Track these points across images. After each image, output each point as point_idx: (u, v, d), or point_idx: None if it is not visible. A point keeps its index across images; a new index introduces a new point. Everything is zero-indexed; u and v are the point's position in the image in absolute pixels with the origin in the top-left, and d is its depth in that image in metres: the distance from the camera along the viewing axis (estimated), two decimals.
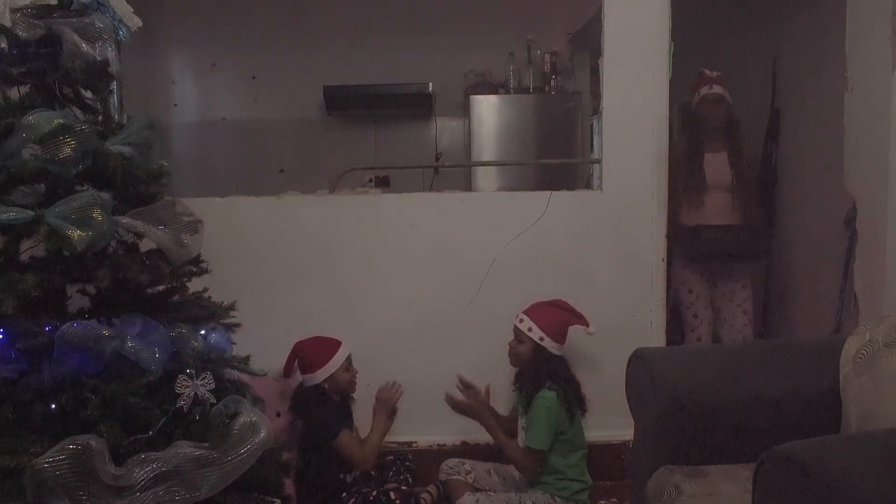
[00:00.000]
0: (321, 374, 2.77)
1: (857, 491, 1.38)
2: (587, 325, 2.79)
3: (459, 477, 2.82)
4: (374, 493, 2.68)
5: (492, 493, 2.75)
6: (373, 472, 2.81)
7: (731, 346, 2.50)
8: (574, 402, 2.73)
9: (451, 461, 2.88)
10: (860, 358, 2.03)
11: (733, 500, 1.88)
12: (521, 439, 2.79)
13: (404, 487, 2.75)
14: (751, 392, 2.13)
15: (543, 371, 2.74)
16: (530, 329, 2.74)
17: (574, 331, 2.80)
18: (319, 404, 2.78)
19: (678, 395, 2.12)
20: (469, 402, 2.85)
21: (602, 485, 2.97)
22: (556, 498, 2.71)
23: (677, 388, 2.13)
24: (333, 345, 2.81)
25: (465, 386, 2.87)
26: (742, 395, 2.13)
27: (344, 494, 2.72)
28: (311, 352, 2.80)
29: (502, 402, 3.00)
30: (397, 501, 2.66)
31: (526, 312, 2.79)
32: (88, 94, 2.03)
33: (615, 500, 2.94)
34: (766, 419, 2.11)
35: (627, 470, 2.56)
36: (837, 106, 3.03)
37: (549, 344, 2.73)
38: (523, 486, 2.77)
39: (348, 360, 2.83)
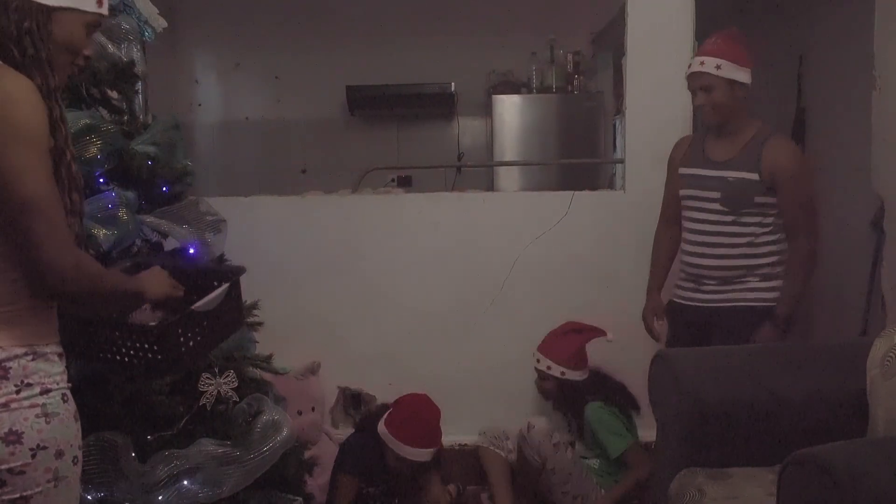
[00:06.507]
0: (397, 448, 2.60)
1: (884, 496, 1.36)
2: (605, 335, 2.78)
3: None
4: None
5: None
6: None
7: (755, 348, 2.46)
8: (625, 403, 2.77)
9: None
10: (888, 361, 1.99)
11: (757, 503, 1.86)
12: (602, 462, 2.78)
13: None
14: (775, 394, 2.10)
15: (576, 398, 2.76)
16: (549, 367, 2.77)
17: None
18: (367, 447, 2.65)
19: (701, 397, 2.10)
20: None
21: None
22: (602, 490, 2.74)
23: (700, 389, 2.11)
24: (431, 439, 2.65)
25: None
26: (766, 397, 2.10)
27: None
28: (415, 425, 2.63)
29: (529, 400, 3.01)
30: None
31: (541, 350, 2.79)
32: (114, 94, 2.05)
33: (637, 501, 2.92)
34: (790, 422, 2.09)
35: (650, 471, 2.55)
36: (864, 105, 2.97)
37: (571, 375, 2.74)
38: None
39: (426, 464, 2.68)
